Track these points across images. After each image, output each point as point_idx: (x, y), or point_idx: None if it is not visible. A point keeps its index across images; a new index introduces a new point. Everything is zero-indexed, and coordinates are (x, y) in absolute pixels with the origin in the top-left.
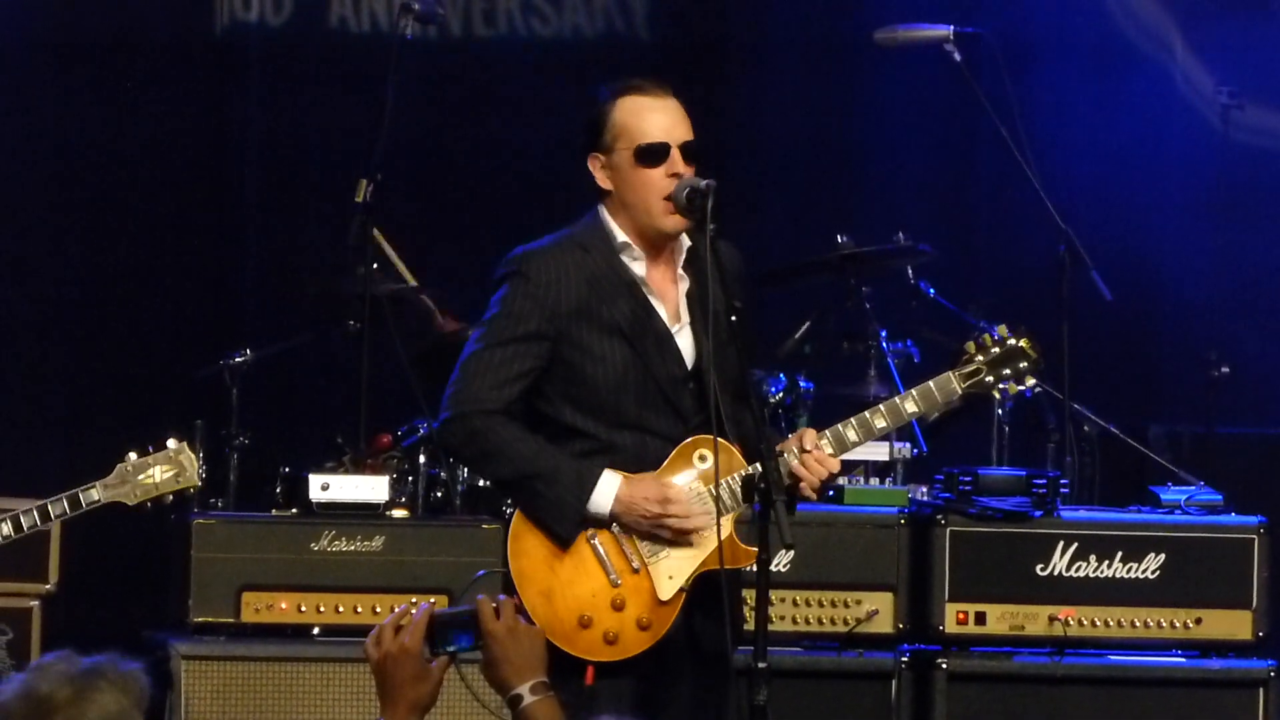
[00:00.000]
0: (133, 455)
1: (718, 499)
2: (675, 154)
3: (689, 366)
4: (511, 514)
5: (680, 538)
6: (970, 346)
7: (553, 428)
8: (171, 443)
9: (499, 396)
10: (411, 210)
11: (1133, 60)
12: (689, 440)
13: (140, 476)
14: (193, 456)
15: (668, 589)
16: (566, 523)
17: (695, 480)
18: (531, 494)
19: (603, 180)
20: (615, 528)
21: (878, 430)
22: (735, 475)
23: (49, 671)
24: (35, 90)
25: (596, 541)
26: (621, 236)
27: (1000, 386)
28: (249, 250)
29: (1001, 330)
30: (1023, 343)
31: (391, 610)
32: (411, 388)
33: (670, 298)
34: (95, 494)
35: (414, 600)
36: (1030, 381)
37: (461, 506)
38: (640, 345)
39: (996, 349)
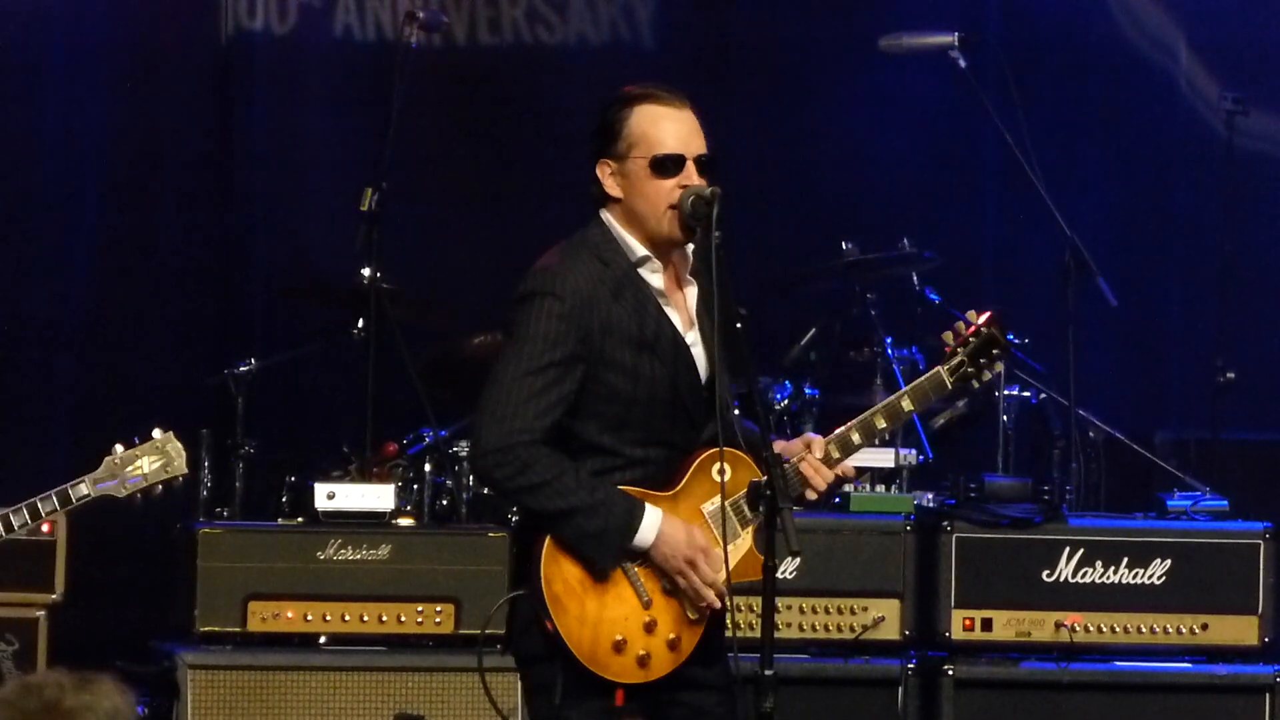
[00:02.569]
0: (119, 447)
1: (724, 515)
2: (690, 166)
3: (703, 376)
4: (516, 525)
5: (690, 595)
6: (949, 338)
7: (575, 443)
8: (157, 432)
9: (541, 425)
10: (417, 218)
11: (1137, 66)
12: (707, 454)
13: (128, 469)
14: (179, 446)
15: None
16: (609, 556)
17: (717, 497)
18: (575, 527)
19: (612, 187)
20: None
21: (879, 430)
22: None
23: (48, 677)
24: (42, 97)
25: (628, 564)
26: (640, 250)
27: (980, 377)
28: (254, 259)
29: (971, 316)
30: (991, 329)
31: (398, 619)
32: (418, 396)
33: (682, 306)
34: (84, 488)
35: None
36: (999, 367)
37: (467, 514)
38: (666, 359)
39: (973, 338)
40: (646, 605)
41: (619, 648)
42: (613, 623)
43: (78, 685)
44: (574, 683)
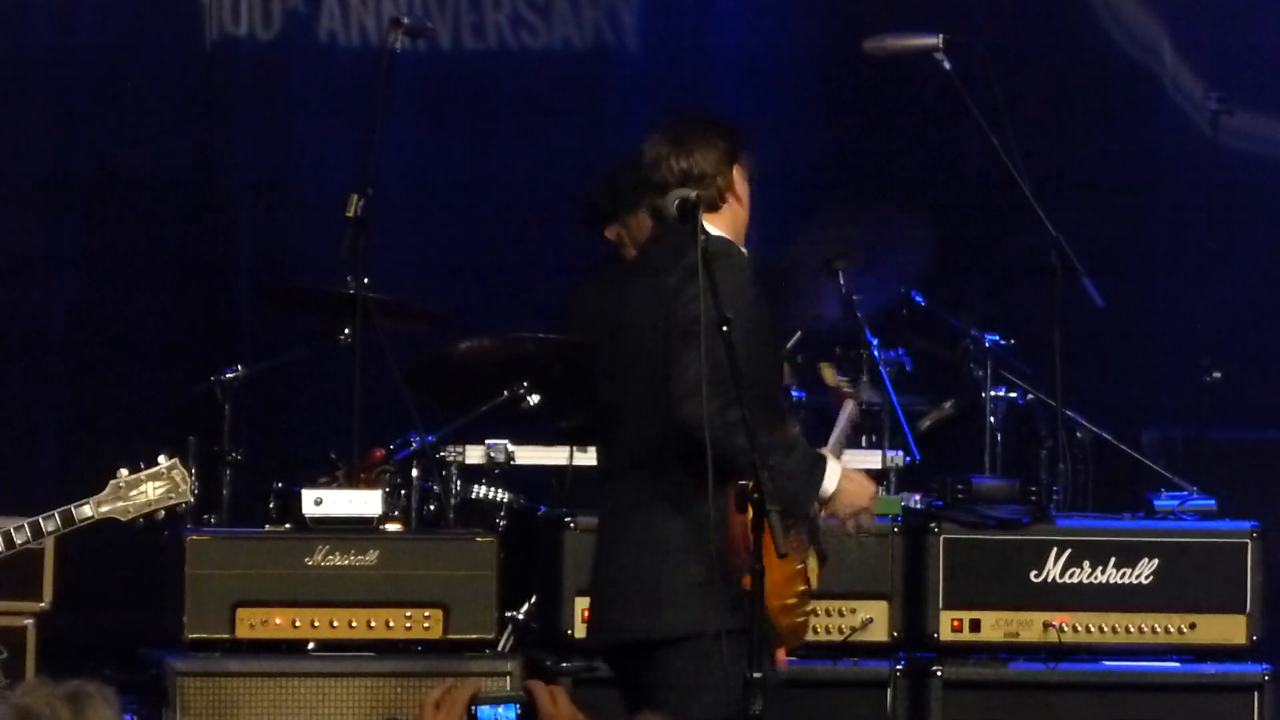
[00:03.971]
0: (124, 471)
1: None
2: None
3: None
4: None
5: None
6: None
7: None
8: (163, 459)
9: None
10: (402, 224)
11: (1121, 66)
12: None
13: (133, 493)
14: (185, 473)
15: (815, 578)
16: (808, 496)
17: None
18: (779, 463)
19: (740, 190)
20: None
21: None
22: None
23: (37, 695)
24: (27, 104)
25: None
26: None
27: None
28: (240, 265)
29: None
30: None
31: (387, 625)
32: (405, 402)
33: None
34: (88, 510)
35: (455, 682)
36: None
37: (455, 520)
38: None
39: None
40: (801, 573)
41: (788, 611)
42: (783, 585)
43: (72, 710)
44: (761, 642)
